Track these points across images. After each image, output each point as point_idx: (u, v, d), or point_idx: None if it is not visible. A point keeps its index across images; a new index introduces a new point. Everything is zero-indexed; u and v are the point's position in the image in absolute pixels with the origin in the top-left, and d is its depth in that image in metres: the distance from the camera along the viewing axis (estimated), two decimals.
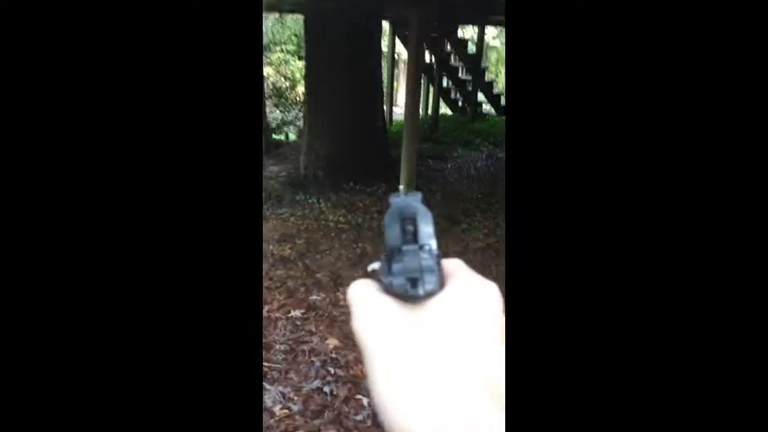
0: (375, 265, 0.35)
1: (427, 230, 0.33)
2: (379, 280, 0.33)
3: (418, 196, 0.35)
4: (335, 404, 2.16)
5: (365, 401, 2.17)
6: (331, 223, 4.46)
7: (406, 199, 0.35)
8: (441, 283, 0.31)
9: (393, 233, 0.33)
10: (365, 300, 0.32)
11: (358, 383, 2.30)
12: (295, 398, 2.19)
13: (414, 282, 0.30)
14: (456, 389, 0.26)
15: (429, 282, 0.30)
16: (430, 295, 0.30)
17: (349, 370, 2.41)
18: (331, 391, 2.24)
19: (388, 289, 0.32)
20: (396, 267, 0.31)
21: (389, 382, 0.27)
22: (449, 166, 6.55)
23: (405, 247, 0.33)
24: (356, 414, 2.12)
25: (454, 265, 0.34)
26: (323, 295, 3.20)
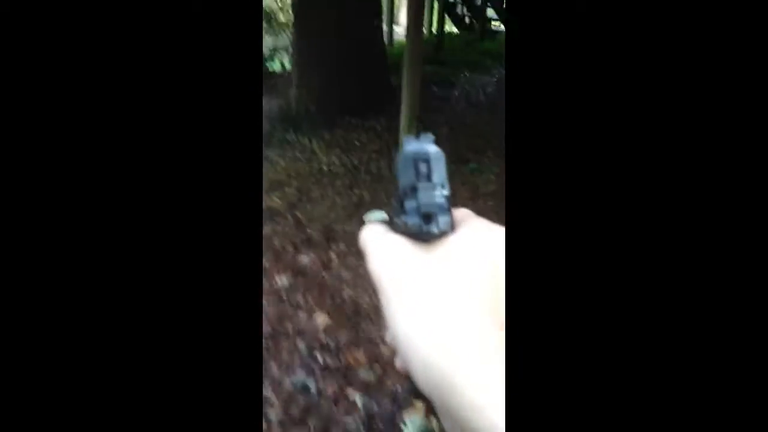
0: (373, 215, 0.23)
1: (440, 171, 0.33)
2: (390, 223, 0.34)
3: (430, 137, 0.35)
4: (321, 405, 1.81)
5: (359, 401, 1.82)
6: (324, 167, 3.99)
7: (419, 141, 0.35)
8: (452, 226, 0.32)
9: (407, 172, 0.33)
10: (379, 241, 0.33)
11: (349, 375, 1.94)
12: (274, 399, 1.84)
13: (429, 218, 0.31)
14: (469, 320, 0.27)
15: (443, 221, 0.31)
16: (443, 234, 0.31)
17: (341, 357, 2.04)
18: (319, 390, 1.88)
19: (401, 229, 0.32)
20: (410, 205, 0.32)
21: (407, 318, 0.28)
22: (456, 93, 5.94)
23: (420, 185, 0.32)
24: (347, 414, 1.77)
25: (463, 213, 0.34)
26: (314, 256, 2.80)
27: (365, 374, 1.94)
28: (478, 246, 0.31)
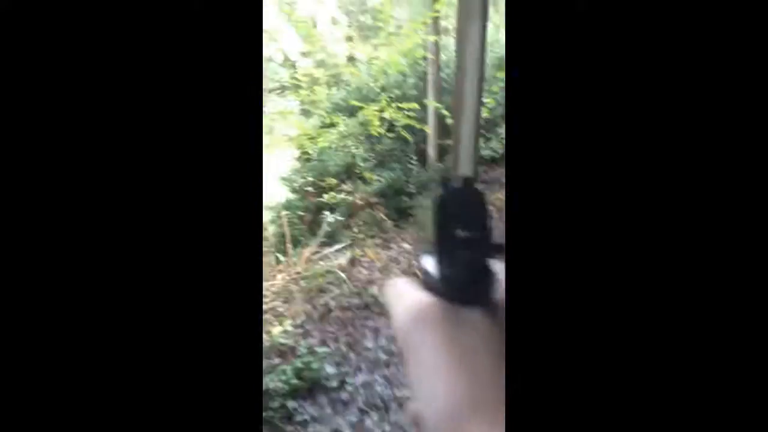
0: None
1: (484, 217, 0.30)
2: (424, 277, 0.30)
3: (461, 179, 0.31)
4: None
5: None
6: None
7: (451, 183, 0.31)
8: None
9: (445, 218, 0.30)
10: (408, 301, 0.31)
11: None
12: None
13: (479, 277, 0.29)
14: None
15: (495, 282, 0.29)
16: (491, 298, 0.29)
17: None
18: None
19: (437, 288, 0.29)
20: (450, 259, 0.29)
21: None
22: None
23: (464, 233, 0.29)
24: None
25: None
26: None
27: None
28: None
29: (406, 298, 0.31)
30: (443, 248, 0.29)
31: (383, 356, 2.54)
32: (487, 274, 0.29)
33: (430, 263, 0.30)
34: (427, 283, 0.30)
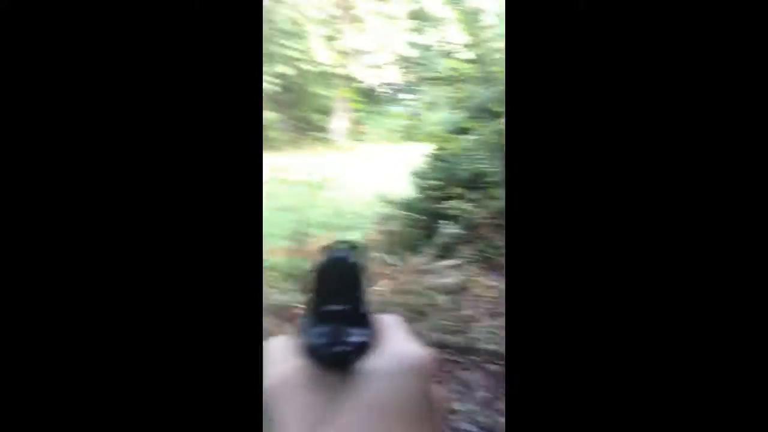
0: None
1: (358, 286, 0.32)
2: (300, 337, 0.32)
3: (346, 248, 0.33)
4: None
5: None
6: None
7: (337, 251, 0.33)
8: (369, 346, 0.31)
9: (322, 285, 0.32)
10: (280, 363, 0.31)
11: None
12: None
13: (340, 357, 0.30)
14: None
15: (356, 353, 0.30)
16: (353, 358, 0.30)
17: None
18: None
19: (306, 350, 0.31)
20: (319, 329, 0.30)
21: None
22: None
23: (332, 307, 0.31)
24: None
25: (391, 322, 0.33)
26: None
27: None
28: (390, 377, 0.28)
29: (279, 358, 0.31)
30: (315, 316, 0.30)
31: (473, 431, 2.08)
32: (353, 345, 0.29)
33: (304, 327, 0.31)
34: (301, 345, 0.31)
